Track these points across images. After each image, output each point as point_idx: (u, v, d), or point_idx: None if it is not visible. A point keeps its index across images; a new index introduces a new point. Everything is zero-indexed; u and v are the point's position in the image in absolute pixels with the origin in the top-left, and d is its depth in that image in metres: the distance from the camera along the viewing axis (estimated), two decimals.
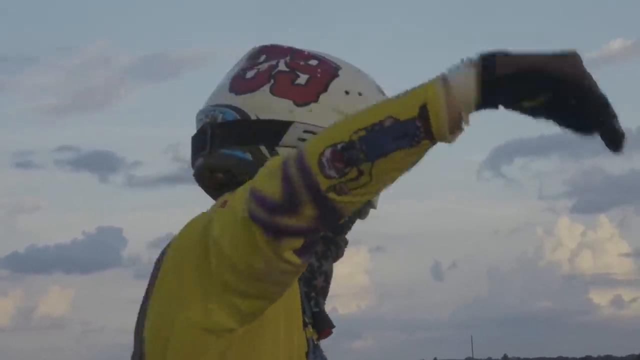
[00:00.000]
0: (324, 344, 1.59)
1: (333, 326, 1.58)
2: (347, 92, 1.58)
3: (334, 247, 1.60)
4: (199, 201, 1.65)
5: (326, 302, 1.60)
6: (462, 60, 1.22)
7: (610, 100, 1.25)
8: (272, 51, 1.63)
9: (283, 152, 1.52)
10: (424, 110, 1.18)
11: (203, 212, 1.45)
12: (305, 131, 1.54)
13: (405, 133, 1.18)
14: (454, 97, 1.19)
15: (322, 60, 1.62)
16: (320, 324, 1.56)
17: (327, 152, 1.20)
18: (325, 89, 1.57)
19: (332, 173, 1.20)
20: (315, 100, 1.56)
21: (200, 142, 1.60)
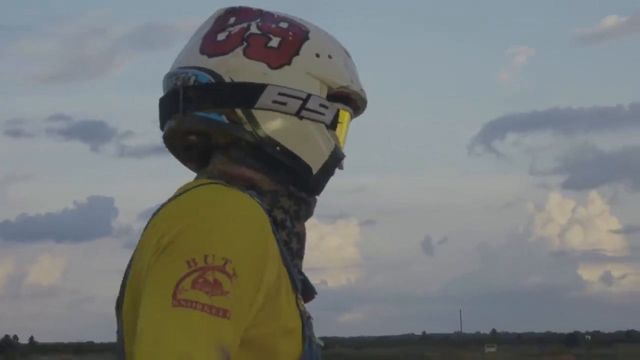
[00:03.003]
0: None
1: (315, 292, 1.60)
2: (317, 55, 1.59)
3: (305, 206, 1.61)
4: (190, 172, 1.67)
5: (314, 274, 1.60)
6: None
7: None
8: (241, 14, 1.63)
9: (259, 115, 1.55)
10: None
11: (178, 200, 1.46)
12: (279, 93, 1.55)
13: None
14: None
15: (292, 23, 1.63)
16: (305, 292, 1.57)
17: None
18: (297, 52, 1.58)
19: None
20: (289, 63, 1.57)
21: (172, 105, 1.59)
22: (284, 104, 1.55)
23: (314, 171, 1.59)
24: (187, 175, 1.69)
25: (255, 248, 1.40)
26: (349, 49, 1.71)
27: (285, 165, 1.57)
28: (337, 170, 1.66)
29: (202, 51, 1.59)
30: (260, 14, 1.63)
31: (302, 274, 1.58)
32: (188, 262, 1.34)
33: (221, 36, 1.59)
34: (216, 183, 1.51)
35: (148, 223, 1.48)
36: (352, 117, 1.69)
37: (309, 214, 1.63)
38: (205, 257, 1.34)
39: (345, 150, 1.68)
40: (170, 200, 1.48)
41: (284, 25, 1.61)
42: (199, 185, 1.50)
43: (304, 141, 1.57)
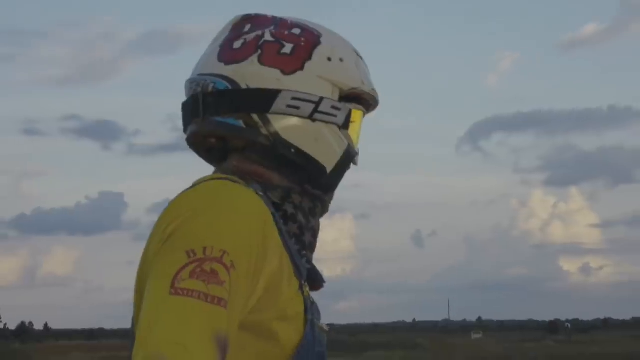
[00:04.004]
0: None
1: (324, 282, 1.61)
2: (329, 59, 1.59)
3: (320, 204, 1.62)
4: (196, 168, 1.68)
5: (313, 262, 1.62)
6: None
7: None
8: (256, 21, 1.63)
9: (274, 120, 1.55)
10: None
11: (187, 192, 1.45)
12: (293, 98, 1.55)
13: None
14: None
15: (304, 28, 1.62)
16: (313, 280, 1.58)
17: None
18: (309, 57, 1.57)
19: None
20: (301, 68, 1.56)
21: (192, 110, 1.60)
22: (297, 108, 1.55)
23: (328, 170, 1.60)
24: (193, 172, 1.69)
25: (254, 240, 1.39)
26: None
27: (300, 166, 1.57)
28: (352, 166, 1.67)
29: (220, 59, 1.58)
30: (274, 21, 1.63)
31: (310, 263, 1.58)
32: (187, 252, 1.34)
33: (237, 44, 1.59)
34: (227, 178, 1.49)
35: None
36: (364, 115, 1.69)
37: (324, 210, 1.64)
38: (204, 248, 1.34)
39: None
40: (182, 192, 1.48)
41: (296, 31, 1.60)
42: (210, 180, 1.49)
43: (317, 143, 1.58)
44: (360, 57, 1.67)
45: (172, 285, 1.31)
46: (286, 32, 1.60)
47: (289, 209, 1.56)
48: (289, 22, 1.63)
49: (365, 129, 1.71)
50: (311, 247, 1.60)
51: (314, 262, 1.62)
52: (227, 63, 1.57)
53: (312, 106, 1.56)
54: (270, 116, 1.55)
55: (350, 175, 1.69)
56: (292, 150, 1.56)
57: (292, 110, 1.55)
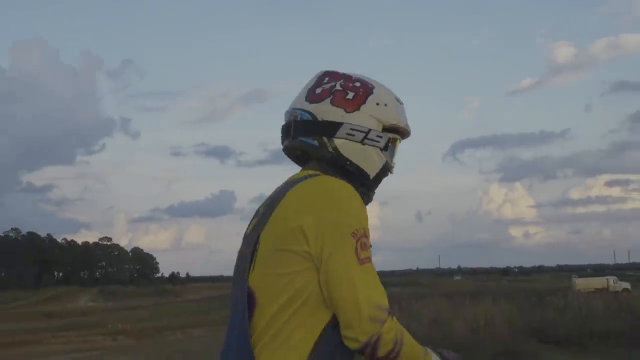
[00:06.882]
0: None
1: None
2: (377, 104, 1.58)
3: (366, 198, 1.60)
4: (280, 175, 1.65)
5: None
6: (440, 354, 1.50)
7: None
8: (332, 76, 1.62)
9: (337, 142, 1.55)
10: None
11: (313, 184, 1.46)
12: (351, 128, 1.55)
13: None
14: None
15: (362, 82, 1.60)
16: None
17: None
18: (364, 102, 1.57)
19: None
20: (358, 109, 1.56)
21: (287, 131, 1.60)
22: (353, 135, 1.55)
23: (371, 177, 1.59)
24: (278, 176, 1.65)
25: (366, 214, 1.46)
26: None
27: (353, 173, 1.57)
28: (389, 174, 1.65)
29: (306, 99, 1.58)
30: (343, 76, 1.61)
31: None
32: (352, 235, 1.40)
33: (318, 90, 1.59)
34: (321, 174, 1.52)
35: (281, 193, 1.48)
36: (400, 141, 1.67)
37: (369, 201, 1.62)
38: (357, 229, 1.41)
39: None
40: (295, 182, 1.49)
41: (357, 84, 1.59)
42: (313, 175, 1.51)
43: (365, 159, 1.57)
44: (400, 102, 1.64)
45: (358, 258, 1.39)
46: (350, 85, 1.59)
47: None
48: (353, 77, 1.61)
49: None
50: None
51: None
52: (310, 102, 1.57)
53: (362, 134, 1.55)
54: (335, 139, 1.55)
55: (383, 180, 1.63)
56: (348, 163, 1.56)
57: (349, 136, 1.55)
